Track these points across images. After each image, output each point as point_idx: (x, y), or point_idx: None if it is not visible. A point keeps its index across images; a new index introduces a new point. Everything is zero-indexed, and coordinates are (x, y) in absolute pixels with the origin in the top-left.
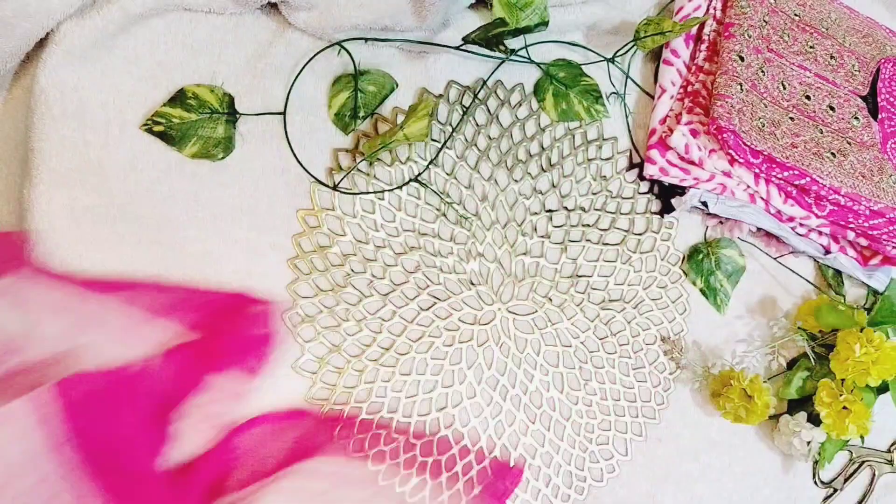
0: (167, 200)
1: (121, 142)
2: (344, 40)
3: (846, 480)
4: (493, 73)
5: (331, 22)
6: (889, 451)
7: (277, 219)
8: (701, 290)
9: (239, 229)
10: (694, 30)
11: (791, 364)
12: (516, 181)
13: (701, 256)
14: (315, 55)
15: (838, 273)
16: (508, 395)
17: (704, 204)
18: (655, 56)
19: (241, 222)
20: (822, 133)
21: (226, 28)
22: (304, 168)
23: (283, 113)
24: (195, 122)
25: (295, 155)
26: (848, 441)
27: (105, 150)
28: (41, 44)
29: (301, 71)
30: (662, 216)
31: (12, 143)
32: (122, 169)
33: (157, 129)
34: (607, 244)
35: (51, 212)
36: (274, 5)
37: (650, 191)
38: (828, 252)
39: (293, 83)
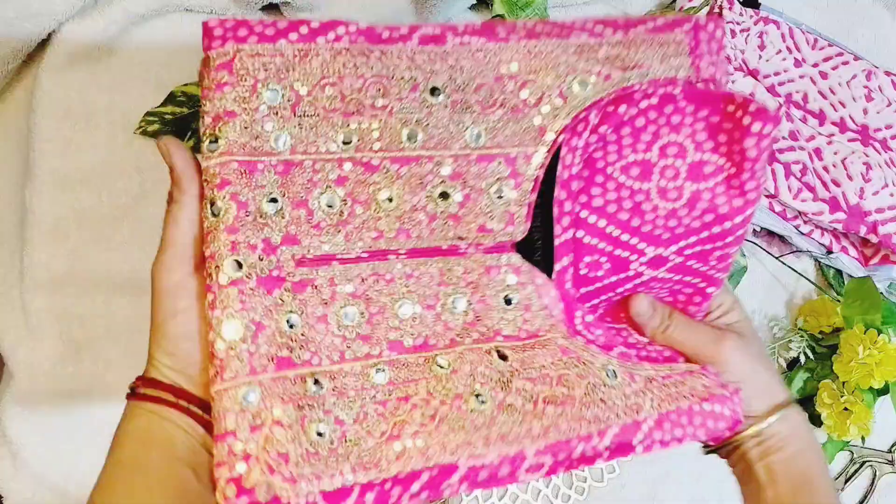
0: None
1: (124, 142)
2: None
3: (847, 481)
4: None
5: None
6: (890, 451)
7: None
8: None
9: None
10: None
11: (791, 365)
12: None
13: None
14: None
15: (839, 273)
16: None
17: None
18: None
19: None
20: None
21: None
22: None
23: None
24: (188, 115)
25: None
26: (849, 442)
27: (108, 150)
28: (43, 44)
29: None
30: None
31: (14, 143)
32: (125, 169)
33: (151, 129)
34: None
35: (54, 212)
36: (275, 6)
37: None
38: (830, 252)
39: None
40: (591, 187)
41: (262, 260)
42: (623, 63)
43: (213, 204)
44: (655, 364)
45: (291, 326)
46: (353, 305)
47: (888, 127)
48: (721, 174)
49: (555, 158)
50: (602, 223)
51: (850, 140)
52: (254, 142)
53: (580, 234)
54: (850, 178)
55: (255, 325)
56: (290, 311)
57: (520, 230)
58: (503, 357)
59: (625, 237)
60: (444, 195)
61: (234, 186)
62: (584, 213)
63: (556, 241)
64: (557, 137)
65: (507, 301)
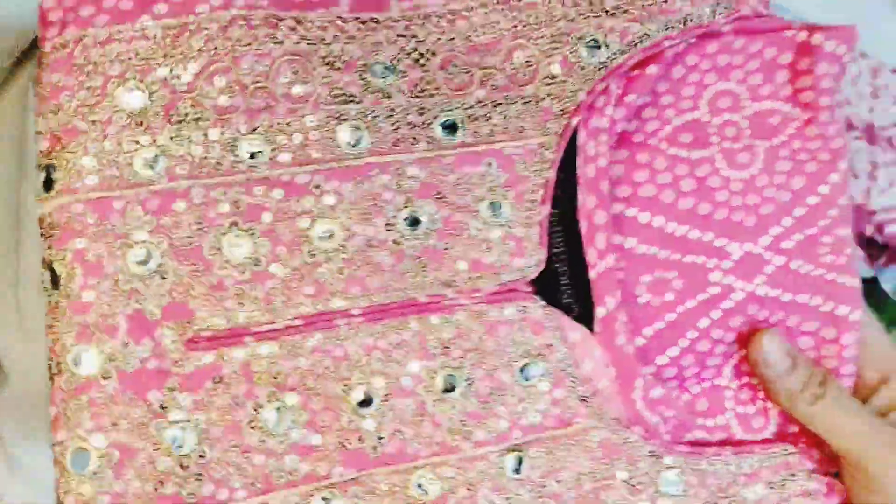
0: None
1: None
2: None
3: None
4: None
5: None
6: None
7: None
8: None
9: None
10: None
11: None
12: None
13: None
14: None
15: None
16: None
17: None
18: None
19: None
20: None
21: None
22: None
23: None
24: None
25: None
26: None
27: None
28: (38, 41)
29: None
30: None
31: (8, 141)
32: None
33: None
34: None
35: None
36: None
37: None
38: None
39: None
40: (635, 171)
41: (128, 347)
42: (641, 11)
43: (51, 270)
44: (740, 453)
45: (180, 447)
46: (284, 402)
47: (895, 125)
48: (792, 123)
49: (569, 150)
50: (659, 221)
51: (856, 138)
52: (108, 170)
53: (630, 243)
54: (855, 176)
55: (118, 451)
56: (178, 422)
57: (534, 262)
58: (518, 465)
59: (694, 234)
60: (414, 221)
61: (80, 240)
62: (630, 212)
63: (593, 273)
64: (570, 121)
65: (527, 374)
